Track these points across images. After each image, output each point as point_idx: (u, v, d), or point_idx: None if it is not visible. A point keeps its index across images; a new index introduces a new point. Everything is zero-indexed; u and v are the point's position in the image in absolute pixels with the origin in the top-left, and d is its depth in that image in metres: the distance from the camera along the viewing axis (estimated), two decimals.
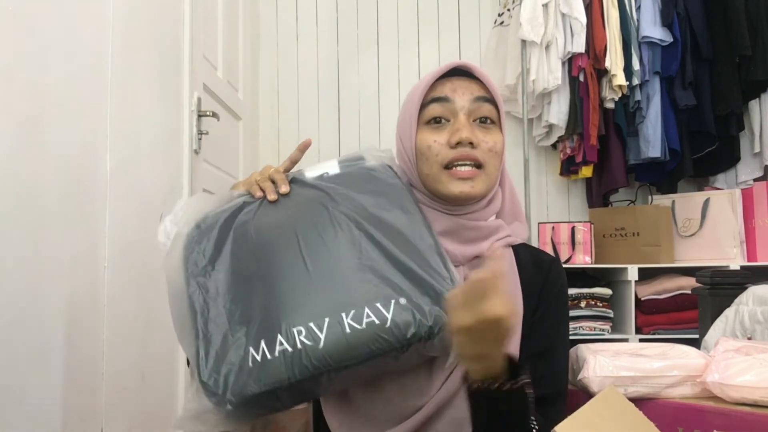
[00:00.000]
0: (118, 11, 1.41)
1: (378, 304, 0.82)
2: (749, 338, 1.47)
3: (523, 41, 2.55)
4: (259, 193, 0.93)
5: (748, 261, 2.46)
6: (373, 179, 0.94)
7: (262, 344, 0.81)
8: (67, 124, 1.20)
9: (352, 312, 0.81)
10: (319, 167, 0.97)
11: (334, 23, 2.95)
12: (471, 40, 2.94)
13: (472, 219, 0.97)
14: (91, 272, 1.28)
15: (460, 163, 0.93)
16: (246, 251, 0.88)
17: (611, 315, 2.42)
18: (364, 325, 0.80)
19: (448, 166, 0.93)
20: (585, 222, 2.49)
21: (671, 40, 2.47)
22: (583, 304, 2.39)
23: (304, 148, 1.02)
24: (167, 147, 1.70)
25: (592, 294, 2.40)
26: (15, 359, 1.04)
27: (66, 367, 1.18)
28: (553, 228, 2.48)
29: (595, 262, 2.47)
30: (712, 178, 2.67)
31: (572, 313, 2.37)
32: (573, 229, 2.46)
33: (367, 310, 0.81)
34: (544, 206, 2.89)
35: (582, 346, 1.18)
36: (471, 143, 0.92)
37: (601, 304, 2.40)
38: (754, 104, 2.55)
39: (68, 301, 1.19)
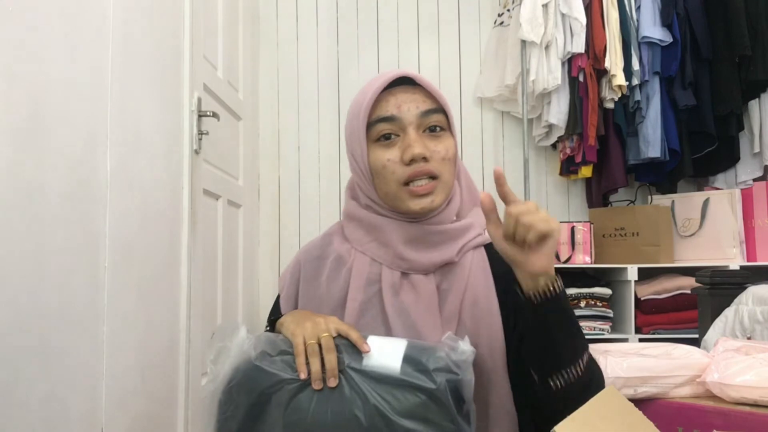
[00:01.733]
0: (118, 11, 1.41)
1: None
2: (749, 338, 1.47)
3: (523, 41, 2.55)
4: (303, 374, 0.84)
5: (748, 261, 2.46)
6: (432, 417, 0.81)
7: None
8: (67, 124, 1.20)
9: None
10: (381, 354, 0.85)
11: (334, 23, 2.95)
12: (471, 41, 2.94)
13: (436, 223, 0.97)
14: (91, 272, 1.28)
15: (416, 178, 0.93)
16: None
17: (611, 315, 2.42)
18: None
19: (406, 183, 0.94)
20: (585, 222, 2.49)
21: (671, 40, 2.47)
22: (582, 303, 2.39)
23: (359, 343, 0.88)
24: (167, 147, 1.70)
25: (592, 294, 2.40)
26: (15, 359, 1.04)
27: (66, 367, 1.18)
28: None
29: (595, 262, 2.47)
30: (712, 178, 2.67)
31: None
32: (573, 229, 2.46)
33: None
34: (544, 206, 2.89)
35: None
36: (424, 158, 0.92)
37: (600, 304, 2.41)
38: (754, 104, 2.55)
39: (68, 301, 1.19)
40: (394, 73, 0.96)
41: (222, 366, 0.87)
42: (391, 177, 0.94)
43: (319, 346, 0.85)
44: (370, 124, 0.95)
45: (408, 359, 0.84)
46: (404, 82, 0.96)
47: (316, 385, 0.83)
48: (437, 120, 0.96)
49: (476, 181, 2.87)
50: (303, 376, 0.83)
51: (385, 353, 0.85)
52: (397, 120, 0.94)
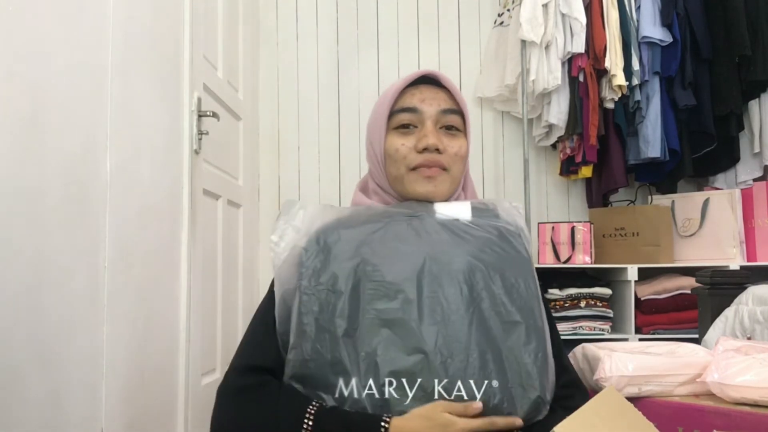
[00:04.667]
0: (118, 11, 1.41)
1: (471, 381, 0.84)
2: (749, 338, 1.47)
3: (523, 41, 2.55)
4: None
5: (748, 261, 2.46)
6: (502, 242, 0.95)
7: (353, 382, 0.84)
8: (67, 124, 1.20)
9: (445, 381, 0.83)
10: (451, 208, 0.99)
11: (334, 23, 2.95)
12: (471, 41, 2.94)
13: None
14: (91, 272, 1.28)
15: (426, 166, 0.99)
16: (362, 279, 0.90)
17: (611, 315, 2.42)
18: (452, 398, 0.83)
19: (415, 169, 0.99)
20: (585, 222, 2.49)
21: (671, 40, 2.46)
22: (582, 303, 2.39)
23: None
24: (167, 147, 1.70)
25: (592, 294, 2.40)
26: (15, 359, 1.04)
27: (66, 367, 1.18)
28: (552, 228, 2.48)
29: (595, 262, 2.47)
30: (712, 178, 2.67)
31: (572, 312, 2.38)
32: (573, 229, 2.46)
33: (459, 383, 0.84)
34: (544, 206, 2.89)
35: (589, 345, 1.17)
36: (437, 149, 0.98)
37: (600, 304, 2.40)
38: (753, 104, 2.55)
39: (68, 301, 1.19)
40: (424, 70, 1.03)
41: (300, 232, 0.96)
42: (402, 161, 0.99)
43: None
44: (393, 113, 1.01)
45: (476, 209, 0.98)
46: (431, 82, 1.03)
47: None
48: (454, 120, 1.01)
49: (476, 180, 2.87)
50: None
51: (456, 208, 0.98)
52: (419, 112, 1.00)
